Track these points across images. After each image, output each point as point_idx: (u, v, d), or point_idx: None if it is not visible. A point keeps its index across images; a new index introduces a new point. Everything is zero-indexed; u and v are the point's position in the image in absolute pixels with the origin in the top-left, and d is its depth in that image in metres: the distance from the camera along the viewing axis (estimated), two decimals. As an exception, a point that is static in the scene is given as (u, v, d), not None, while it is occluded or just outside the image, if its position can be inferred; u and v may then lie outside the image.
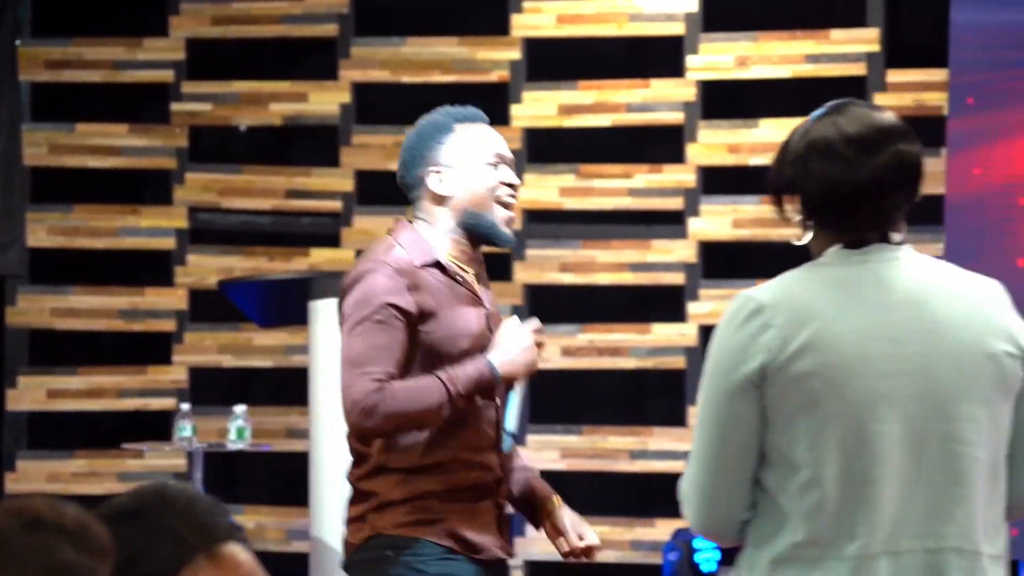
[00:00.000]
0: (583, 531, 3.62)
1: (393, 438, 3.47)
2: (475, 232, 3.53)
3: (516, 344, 3.49)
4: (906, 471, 2.51)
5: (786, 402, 2.50)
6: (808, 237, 2.65)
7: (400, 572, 3.49)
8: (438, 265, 3.51)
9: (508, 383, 3.50)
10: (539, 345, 3.51)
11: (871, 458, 2.49)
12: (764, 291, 2.58)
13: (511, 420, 3.50)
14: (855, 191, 2.58)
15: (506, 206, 3.54)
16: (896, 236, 2.62)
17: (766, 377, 2.51)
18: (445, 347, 3.46)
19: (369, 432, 3.42)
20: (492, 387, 3.47)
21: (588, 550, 3.61)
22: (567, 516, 3.63)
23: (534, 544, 7.26)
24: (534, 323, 3.54)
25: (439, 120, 3.59)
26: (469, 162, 3.54)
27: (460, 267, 3.55)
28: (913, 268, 2.60)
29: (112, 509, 1.68)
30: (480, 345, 3.51)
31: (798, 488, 2.51)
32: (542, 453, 7.24)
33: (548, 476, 7.64)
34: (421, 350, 3.45)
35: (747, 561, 2.59)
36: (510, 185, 3.55)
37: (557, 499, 3.66)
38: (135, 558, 1.57)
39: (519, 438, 3.57)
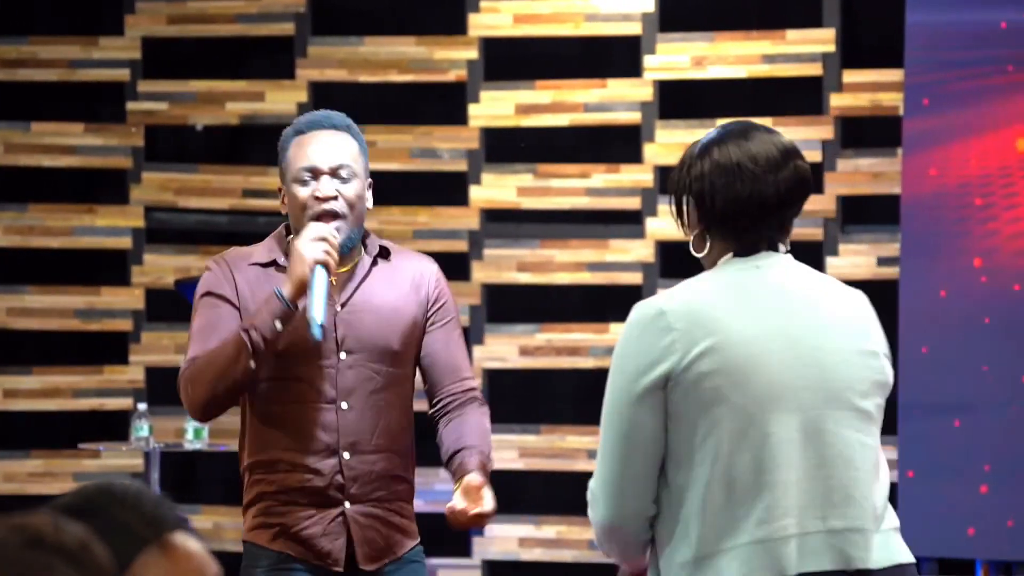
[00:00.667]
0: (476, 496, 3.47)
1: (221, 406, 3.50)
2: None
3: (293, 259, 3.44)
4: (806, 458, 2.73)
5: (690, 402, 2.73)
6: (705, 249, 2.85)
7: None
8: (275, 264, 3.54)
9: (301, 290, 3.42)
10: (321, 239, 3.43)
11: (772, 447, 2.71)
12: (664, 298, 2.80)
13: (316, 310, 3.39)
14: (760, 205, 2.83)
15: (325, 217, 3.50)
16: (783, 245, 2.92)
17: (669, 381, 2.74)
18: None
19: (194, 406, 3.51)
20: (287, 310, 3.40)
21: (463, 514, 3.45)
22: (466, 480, 3.50)
23: (492, 544, 7.26)
24: (314, 227, 3.47)
25: (285, 137, 3.63)
26: (288, 181, 3.55)
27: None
28: (797, 273, 2.89)
29: (58, 508, 1.68)
30: (305, 340, 3.45)
31: (705, 482, 2.70)
32: (500, 453, 7.24)
33: (506, 475, 7.67)
34: None
35: (665, 560, 2.76)
36: (325, 196, 3.49)
37: (474, 474, 3.52)
38: None
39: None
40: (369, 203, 3.61)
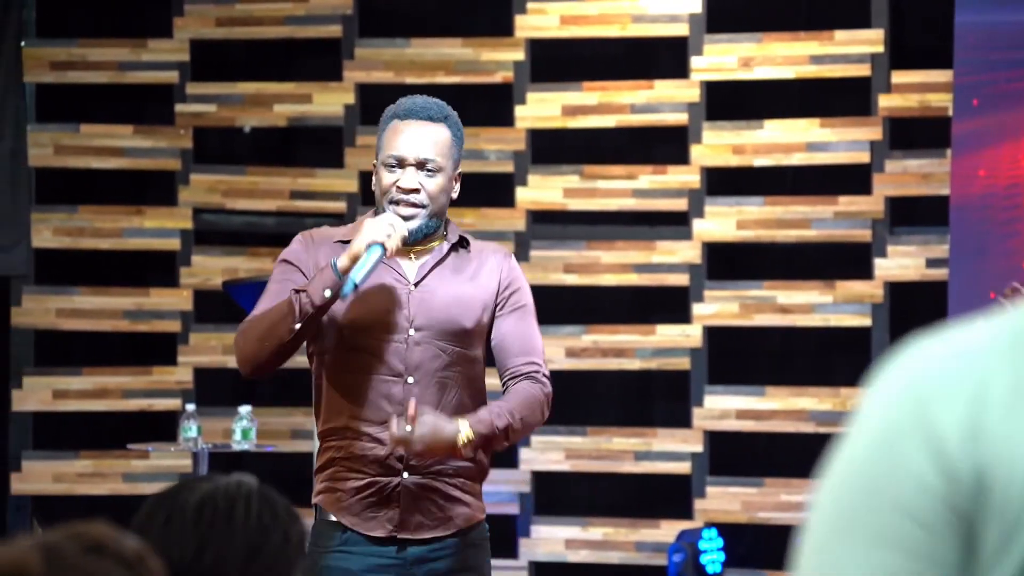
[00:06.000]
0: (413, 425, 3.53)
1: (266, 363, 3.59)
2: None
3: (356, 234, 3.57)
4: None
5: None
6: None
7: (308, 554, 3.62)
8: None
9: (354, 262, 3.53)
10: (389, 224, 3.56)
11: None
12: None
13: (355, 272, 3.51)
14: None
15: (402, 204, 3.64)
16: None
17: None
18: (340, 311, 3.63)
19: (240, 359, 3.62)
20: (337, 280, 3.51)
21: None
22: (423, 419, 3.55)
23: (538, 545, 7.26)
24: (388, 215, 3.61)
25: (384, 117, 3.75)
26: (379, 162, 3.70)
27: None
28: None
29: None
30: (380, 316, 3.63)
31: None
32: (546, 454, 7.24)
33: (552, 477, 7.66)
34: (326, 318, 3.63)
35: None
36: (406, 188, 3.63)
37: (463, 423, 3.56)
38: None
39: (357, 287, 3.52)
40: (454, 194, 3.75)
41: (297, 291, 3.55)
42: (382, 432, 3.61)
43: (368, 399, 3.64)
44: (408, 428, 3.48)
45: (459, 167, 3.75)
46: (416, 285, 3.70)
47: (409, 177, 3.65)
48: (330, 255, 3.64)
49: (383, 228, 3.56)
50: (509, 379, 3.72)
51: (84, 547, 1.49)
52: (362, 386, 3.64)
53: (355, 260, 3.53)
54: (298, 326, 3.53)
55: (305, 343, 3.72)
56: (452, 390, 3.66)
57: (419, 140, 3.67)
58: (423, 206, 3.65)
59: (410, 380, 3.64)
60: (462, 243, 3.77)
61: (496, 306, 3.73)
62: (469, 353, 3.69)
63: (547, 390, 3.72)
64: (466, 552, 3.68)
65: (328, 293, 3.52)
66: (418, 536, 3.64)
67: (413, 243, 3.68)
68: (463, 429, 3.53)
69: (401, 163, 3.66)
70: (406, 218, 3.63)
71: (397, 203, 3.65)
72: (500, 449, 3.69)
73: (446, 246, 3.74)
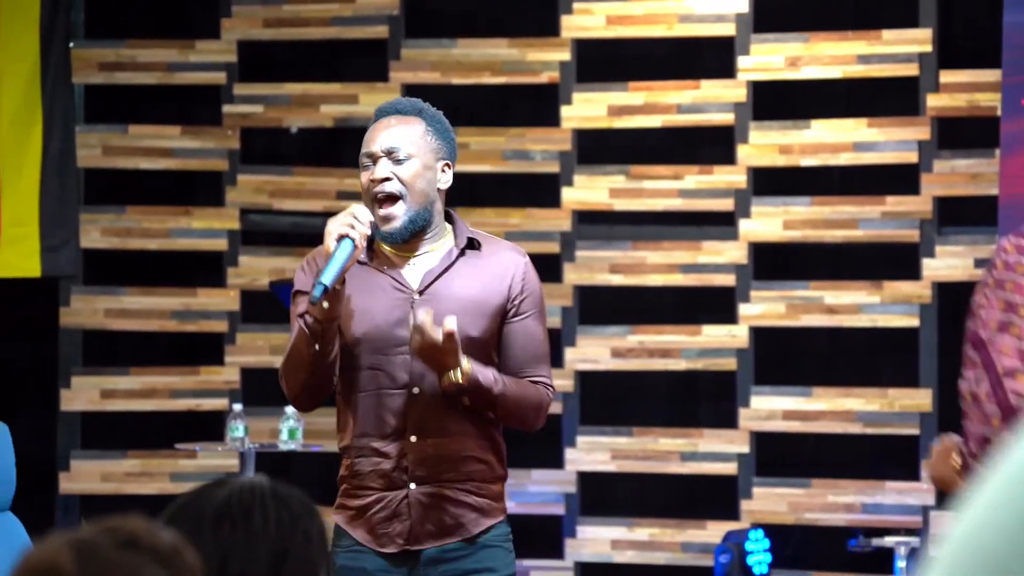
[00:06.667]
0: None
1: (311, 392, 3.67)
2: None
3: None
4: None
5: None
6: None
7: None
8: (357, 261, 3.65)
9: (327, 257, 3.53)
10: (351, 215, 3.54)
11: None
12: None
13: (325, 274, 3.48)
14: None
15: (380, 202, 3.63)
16: None
17: None
18: (345, 329, 3.62)
19: (289, 398, 3.75)
20: (325, 289, 3.47)
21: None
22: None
23: (584, 546, 7.26)
24: (353, 207, 3.60)
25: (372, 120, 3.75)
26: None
27: (390, 257, 3.67)
28: None
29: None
30: (386, 330, 3.60)
31: None
32: (592, 455, 7.23)
33: (598, 477, 7.65)
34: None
35: None
36: (378, 179, 3.61)
37: (469, 363, 3.57)
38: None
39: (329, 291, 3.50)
40: (442, 184, 3.68)
41: (300, 316, 3.54)
42: (387, 446, 3.60)
43: (374, 414, 3.62)
44: (434, 328, 3.46)
45: (446, 159, 3.67)
46: (421, 293, 3.64)
47: (380, 168, 3.62)
48: (351, 275, 3.61)
49: (346, 220, 3.53)
50: None
51: (118, 542, 1.49)
52: (367, 403, 3.63)
53: (327, 259, 3.51)
54: (317, 347, 3.53)
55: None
56: (460, 399, 3.61)
57: (386, 132, 3.65)
58: (400, 196, 3.61)
59: (415, 391, 3.60)
60: (472, 245, 3.69)
61: (507, 312, 3.66)
62: (477, 360, 3.61)
63: (548, 398, 3.69)
64: (483, 552, 3.64)
65: (324, 304, 3.49)
66: (423, 547, 3.61)
67: (403, 242, 3.64)
68: (465, 365, 3.53)
69: (372, 158, 3.64)
70: (385, 219, 3.59)
71: (378, 200, 3.62)
72: (484, 410, 3.61)
73: (455, 251, 3.67)
